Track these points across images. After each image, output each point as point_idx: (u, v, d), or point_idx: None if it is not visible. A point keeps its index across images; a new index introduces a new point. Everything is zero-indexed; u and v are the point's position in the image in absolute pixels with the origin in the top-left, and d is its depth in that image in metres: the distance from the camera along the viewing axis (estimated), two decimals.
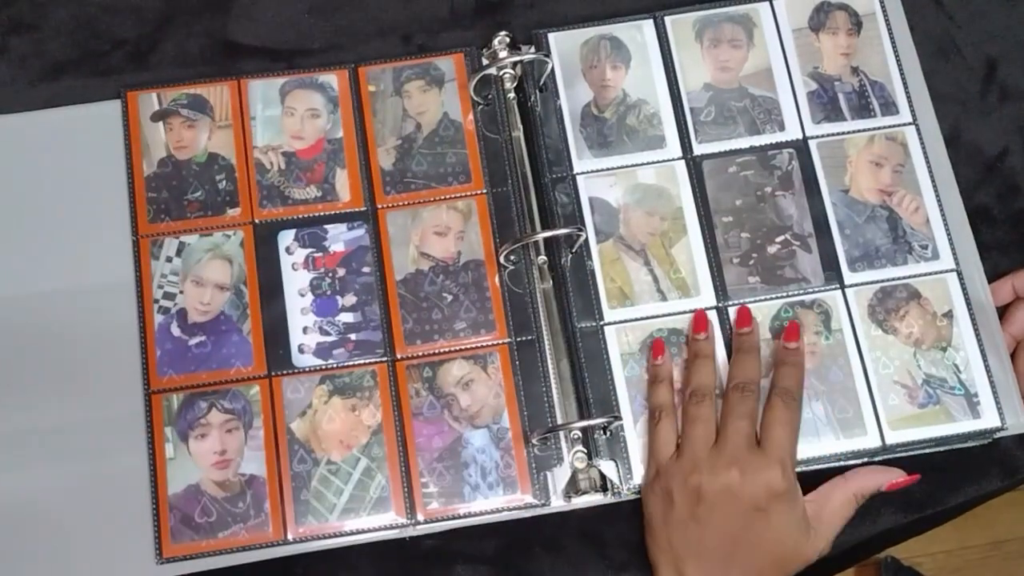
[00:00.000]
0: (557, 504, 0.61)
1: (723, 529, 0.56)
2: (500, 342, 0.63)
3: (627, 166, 0.66)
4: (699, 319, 0.62)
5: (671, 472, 0.58)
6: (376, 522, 0.60)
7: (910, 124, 0.67)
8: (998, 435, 0.62)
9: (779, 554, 0.56)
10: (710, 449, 0.57)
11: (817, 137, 0.66)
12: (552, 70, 0.67)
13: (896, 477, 0.59)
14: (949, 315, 0.63)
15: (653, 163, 0.66)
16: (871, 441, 0.61)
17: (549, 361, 0.63)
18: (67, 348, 0.63)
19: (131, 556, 0.60)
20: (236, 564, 0.60)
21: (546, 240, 0.64)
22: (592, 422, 0.60)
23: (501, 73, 0.67)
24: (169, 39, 0.69)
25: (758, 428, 0.58)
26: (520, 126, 0.67)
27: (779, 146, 0.66)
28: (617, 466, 0.61)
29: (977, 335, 0.63)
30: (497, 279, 0.64)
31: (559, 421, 0.62)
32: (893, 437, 0.61)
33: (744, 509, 0.56)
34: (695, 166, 0.66)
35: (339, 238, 0.65)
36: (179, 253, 0.64)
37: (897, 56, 0.68)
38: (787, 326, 0.61)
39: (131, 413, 0.62)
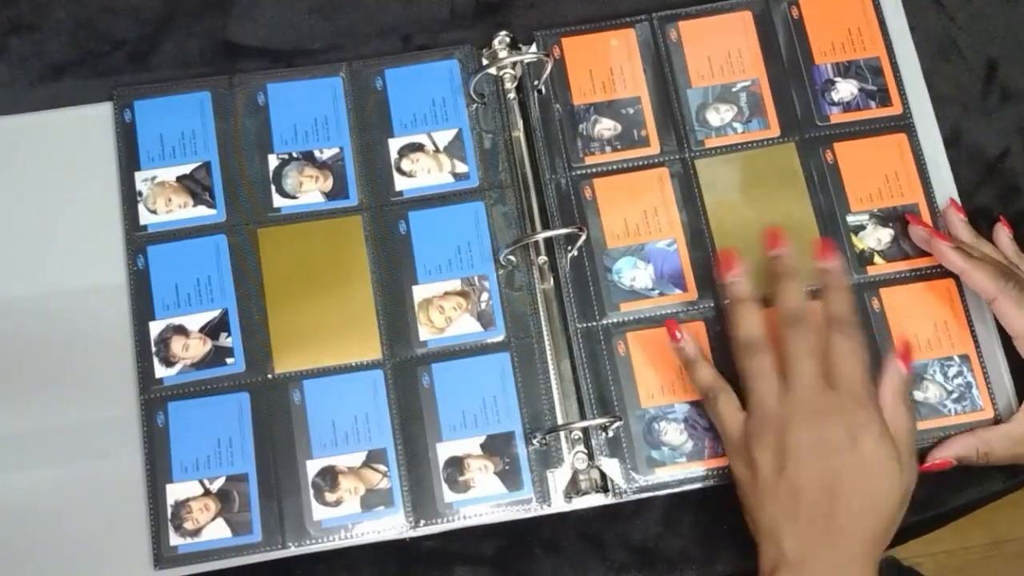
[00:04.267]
0: (558, 505, 0.61)
1: (814, 483, 0.52)
2: (500, 342, 0.63)
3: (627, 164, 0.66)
4: (726, 258, 0.59)
5: (748, 436, 0.54)
6: (377, 524, 0.60)
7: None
8: None
9: (876, 495, 0.53)
10: (779, 401, 0.54)
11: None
12: (552, 70, 0.67)
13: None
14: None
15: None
16: None
17: (549, 361, 0.63)
18: (62, 350, 0.63)
19: (128, 559, 0.60)
20: (235, 566, 0.60)
21: (546, 240, 0.64)
22: (593, 422, 0.60)
23: (501, 73, 0.67)
24: (169, 40, 0.69)
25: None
26: (520, 126, 0.67)
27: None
28: (618, 466, 0.61)
29: (973, 335, 0.63)
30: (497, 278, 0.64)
31: (560, 421, 0.62)
32: None
33: (831, 455, 0.52)
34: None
35: None
36: None
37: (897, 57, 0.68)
38: (820, 242, 0.58)
39: (126, 415, 0.62)
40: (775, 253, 0.58)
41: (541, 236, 0.63)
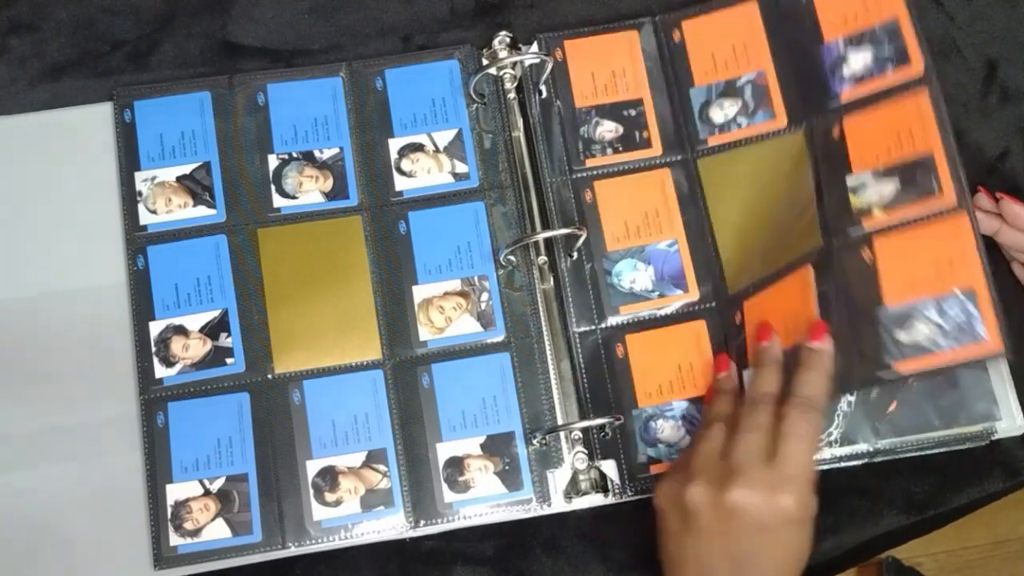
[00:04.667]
0: (558, 505, 0.61)
1: (726, 549, 0.51)
2: (500, 342, 0.63)
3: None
4: (721, 361, 0.61)
5: (679, 483, 0.53)
6: (377, 524, 0.60)
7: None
8: (993, 437, 0.62)
9: (786, 571, 0.52)
10: (719, 463, 0.52)
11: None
12: (552, 71, 0.67)
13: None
14: None
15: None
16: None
17: (549, 361, 0.63)
18: (62, 350, 0.63)
19: (128, 559, 0.60)
20: (235, 566, 0.60)
21: (546, 240, 0.64)
22: (593, 422, 0.60)
23: (501, 73, 0.67)
24: (169, 40, 0.69)
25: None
26: (520, 126, 0.67)
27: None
28: (618, 466, 0.61)
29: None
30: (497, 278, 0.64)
31: (560, 422, 0.62)
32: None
33: (751, 530, 0.50)
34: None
35: None
36: None
37: None
38: (814, 322, 0.57)
39: (126, 415, 0.62)
40: (763, 345, 0.58)
41: (541, 236, 0.63)
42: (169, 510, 0.60)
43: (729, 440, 0.53)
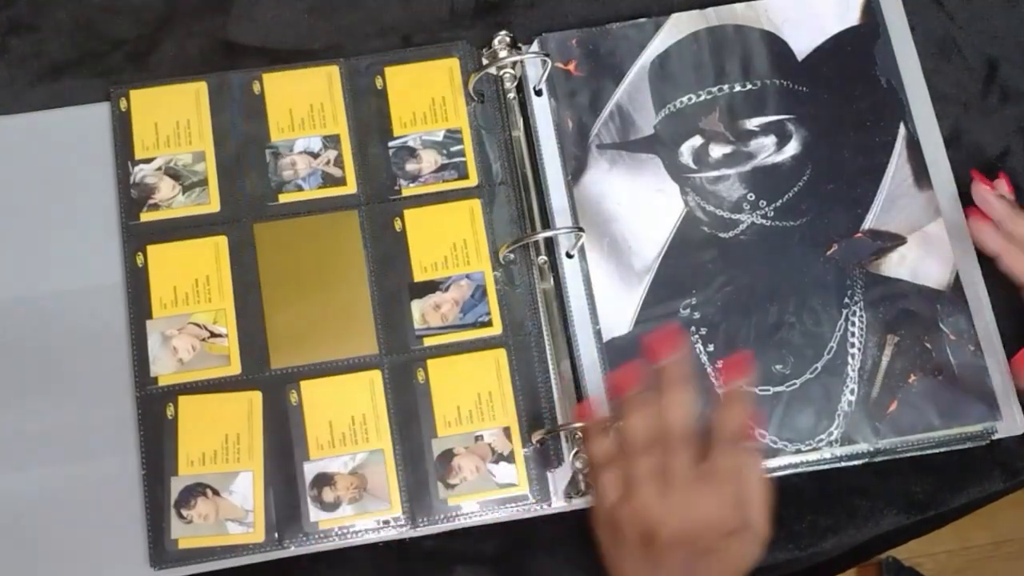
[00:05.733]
0: (557, 504, 0.61)
1: (674, 570, 0.51)
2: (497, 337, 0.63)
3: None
4: (583, 409, 0.59)
5: (618, 512, 0.52)
6: (376, 524, 0.60)
7: None
8: (994, 436, 0.62)
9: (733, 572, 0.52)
10: (659, 487, 0.51)
11: None
12: (552, 70, 0.67)
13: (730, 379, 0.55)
14: None
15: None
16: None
17: (549, 361, 0.63)
18: (58, 350, 0.63)
19: (126, 559, 0.60)
20: (234, 566, 0.60)
21: (546, 240, 0.64)
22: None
23: (501, 73, 0.67)
24: (168, 40, 0.69)
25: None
26: (520, 126, 0.67)
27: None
28: None
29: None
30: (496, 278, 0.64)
31: (559, 421, 0.62)
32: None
33: (697, 552, 0.51)
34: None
35: None
36: None
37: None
38: (729, 359, 0.58)
39: (123, 414, 0.62)
40: (670, 360, 0.54)
41: (541, 236, 0.63)
42: (168, 510, 0.60)
43: (668, 464, 0.52)
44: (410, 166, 0.66)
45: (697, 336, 0.63)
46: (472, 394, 0.62)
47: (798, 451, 0.61)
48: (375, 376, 0.62)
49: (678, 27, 0.69)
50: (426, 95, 0.67)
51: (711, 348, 0.63)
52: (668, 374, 0.53)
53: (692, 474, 0.51)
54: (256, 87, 0.67)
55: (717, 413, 0.53)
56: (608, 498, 0.53)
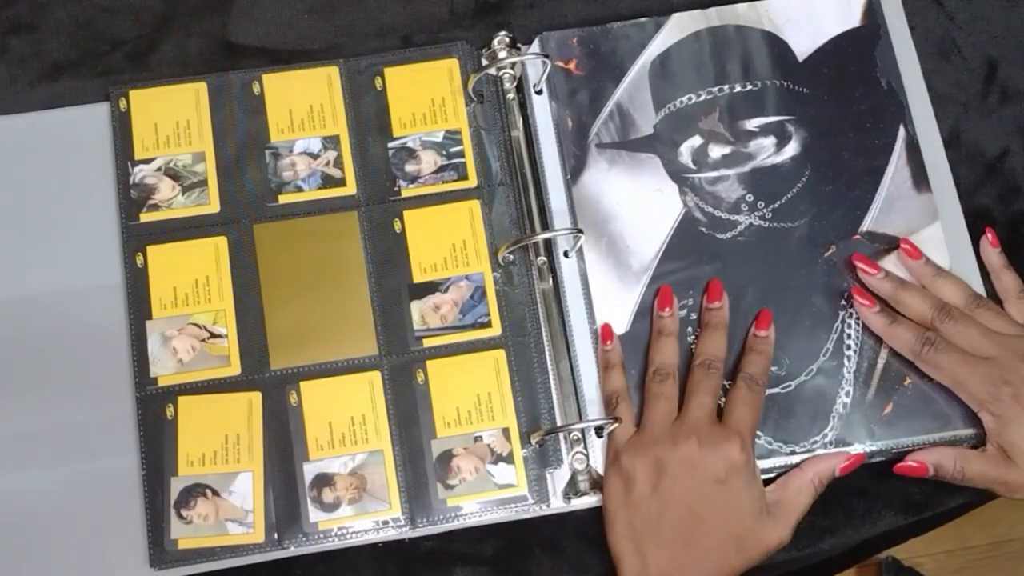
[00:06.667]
0: (556, 505, 0.61)
1: (683, 503, 0.56)
2: (496, 338, 0.63)
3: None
4: (664, 295, 0.63)
5: (631, 449, 0.58)
6: (376, 524, 0.60)
7: None
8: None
9: (738, 531, 0.56)
10: (671, 424, 0.58)
11: None
12: (551, 71, 0.67)
13: (845, 461, 0.60)
14: None
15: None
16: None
17: (548, 362, 0.63)
18: (57, 350, 0.63)
19: (126, 559, 0.60)
20: (234, 566, 0.60)
21: (545, 240, 0.64)
22: (593, 423, 0.60)
23: (501, 73, 0.67)
24: (168, 40, 0.69)
25: (721, 404, 0.60)
26: (520, 126, 0.67)
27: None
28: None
29: None
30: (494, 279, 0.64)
31: (559, 422, 0.62)
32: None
33: (704, 480, 0.56)
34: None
35: None
36: None
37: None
38: (759, 314, 0.62)
39: (122, 414, 0.62)
40: (712, 306, 0.62)
41: (541, 236, 0.63)
42: (167, 510, 0.60)
43: (686, 402, 0.59)
44: (409, 167, 0.66)
45: (693, 336, 0.63)
46: (471, 395, 0.62)
47: (793, 453, 0.61)
48: (374, 377, 0.62)
49: (679, 27, 0.69)
50: (425, 96, 0.67)
51: None
52: (711, 316, 0.62)
53: (706, 410, 0.58)
54: (256, 87, 0.67)
55: (744, 356, 0.61)
56: (626, 432, 0.59)
